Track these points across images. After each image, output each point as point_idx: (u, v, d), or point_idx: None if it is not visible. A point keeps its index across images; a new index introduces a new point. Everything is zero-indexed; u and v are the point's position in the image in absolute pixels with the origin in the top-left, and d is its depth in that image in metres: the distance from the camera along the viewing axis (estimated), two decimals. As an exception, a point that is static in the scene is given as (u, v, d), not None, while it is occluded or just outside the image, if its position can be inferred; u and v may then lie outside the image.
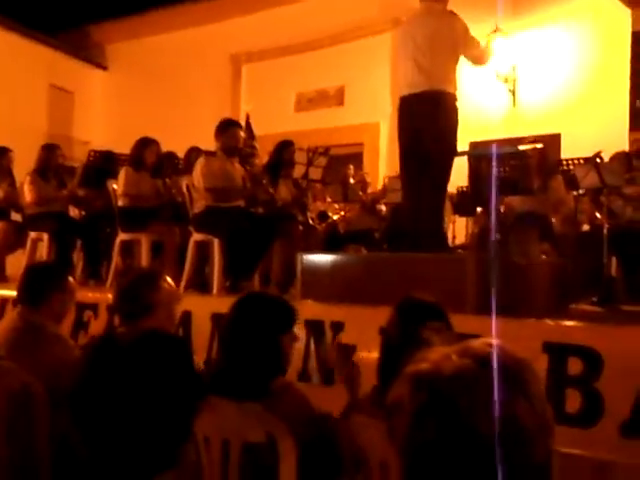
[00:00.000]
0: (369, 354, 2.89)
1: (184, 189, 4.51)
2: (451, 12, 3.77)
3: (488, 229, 4.75)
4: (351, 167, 6.50)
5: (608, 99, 6.87)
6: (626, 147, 6.02)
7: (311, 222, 4.92)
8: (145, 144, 4.72)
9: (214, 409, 1.74)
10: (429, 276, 3.42)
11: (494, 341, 0.87)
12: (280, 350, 1.87)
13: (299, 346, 3.27)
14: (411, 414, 0.80)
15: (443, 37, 3.65)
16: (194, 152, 5.03)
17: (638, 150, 4.85)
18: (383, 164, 8.05)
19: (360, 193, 5.90)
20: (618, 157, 4.82)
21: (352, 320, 3.22)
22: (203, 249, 4.38)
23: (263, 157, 5.55)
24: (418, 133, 3.68)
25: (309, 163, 4.43)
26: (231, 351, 1.87)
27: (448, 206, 5.84)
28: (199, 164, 4.31)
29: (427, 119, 3.61)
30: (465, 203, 5.66)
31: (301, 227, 4.58)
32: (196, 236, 4.39)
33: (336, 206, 5.87)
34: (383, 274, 3.48)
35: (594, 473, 2.54)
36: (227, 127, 4.40)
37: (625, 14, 6.69)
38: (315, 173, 4.52)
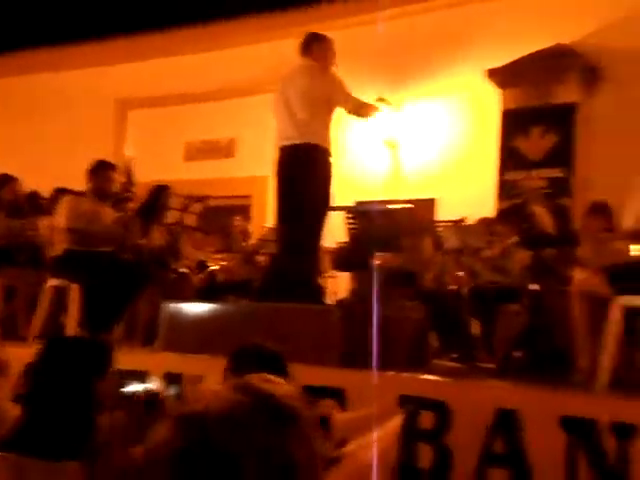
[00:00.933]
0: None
1: (44, 230, 4.26)
2: (326, 69, 3.93)
3: (363, 284, 4.86)
4: (238, 218, 6.51)
5: (480, 170, 7.39)
6: (492, 214, 6.48)
7: (185, 270, 4.80)
8: (1, 182, 4.45)
9: (16, 471, 1.52)
10: (295, 327, 3.42)
11: (271, 377, 0.85)
12: (94, 398, 1.69)
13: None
14: (173, 455, 0.75)
15: (317, 92, 3.79)
16: (60, 192, 4.79)
17: (496, 217, 5.21)
18: (271, 217, 8.11)
19: (243, 244, 5.87)
20: (481, 222, 5.15)
21: (212, 373, 3.13)
22: (60, 295, 4.11)
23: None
24: (291, 184, 3.76)
25: (184, 209, 4.35)
26: (36, 402, 1.68)
27: (327, 260, 5.93)
28: (64, 203, 4.12)
29: (300, 171, 3.71)
30: (344, 259, 5.79)
31: (173, 275, 4.45)
32: (52, 281, 4.15)
33: (218, 256, 5.80)
34: (247, 325, 3.43)
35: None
36: (100, 168, 4.27)
37: (496, 94, 7.31)
38: (190, 220, 4.45)
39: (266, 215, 8.24)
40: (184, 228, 4.57)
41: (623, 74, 6.73)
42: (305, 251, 3.76)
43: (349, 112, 4.05)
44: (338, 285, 6.43)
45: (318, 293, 4.18)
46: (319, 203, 3.79)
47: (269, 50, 8.38)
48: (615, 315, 2.89)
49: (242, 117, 8.42)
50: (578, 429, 2.52)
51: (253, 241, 6.04)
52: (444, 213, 7.31)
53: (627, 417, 2.46)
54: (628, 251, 3.62)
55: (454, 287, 5.18)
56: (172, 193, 4.53)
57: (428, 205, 7.39)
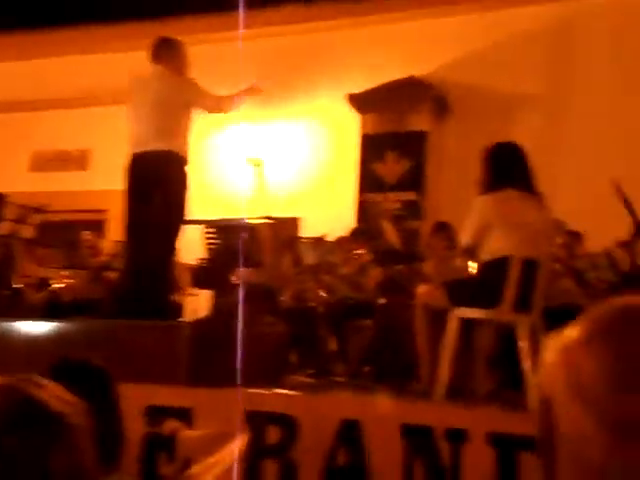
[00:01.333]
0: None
1: None
2: (179, 73, 3.84)
3: (222, 300, 4.77)
4: (87, 233, 6.12)
5: (341, 191, 7.63)
6: (352, 234, 6.70)
7: (19, 286, 4.42)
8: None
9: None
10: (141, 345, 3.26)
11: (45, 381, 0.78)
12: None
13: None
14: None
15: (172, 97, 3.68)
16: None
17: (352, 234, 5.37)
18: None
19: (91, 260, 5.53)
20: (339, 240, 5.28)
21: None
22: None
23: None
24: (143, 194, 3.59)
25: (20, 220, 4.02)
26: None
27: (186, 277, 5.76)
28: None
29: (152, 179, 3.56)
30: (203, 275, 5.65)
31: (6, 291, 4.08)
32: None
33: (63, 273, 5.41)
34: (88, 343, 3.22)
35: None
36: None
37: (356, 119, 7.60)
38: (27, 232, 4.11)
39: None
40: (20, 241, 4.20)
41: (467, 107, 7.30)
42: (157, 266, 3.60)
43: (210, 111, 3.96)
44: (199, 303, 6.27)
45: (171, 310, 4.03)
46: (173, 215, 3.65)
47: (126, 59, 8.09)
48: (452, 326, 3.06)
49: (97, 127, 8.04)
50: (416, 436, 2.62)
51: (103, 257, 5.72)
52: (307, 232, 7.44)
53: (459, 423, 2.60)
54: (467, 267, 3.87)
55: (313, 304, 5.25)
56: (7, 202, 4.17)
57: (292, 223, 7.47)
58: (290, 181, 7.98)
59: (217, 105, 3.92)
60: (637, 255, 4.16)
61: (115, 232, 7.81)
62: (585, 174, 6.36)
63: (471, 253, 3.25)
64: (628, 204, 3.45)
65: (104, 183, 7.83)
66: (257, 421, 2.83)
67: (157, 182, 3.56)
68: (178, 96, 3.69)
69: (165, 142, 3.58)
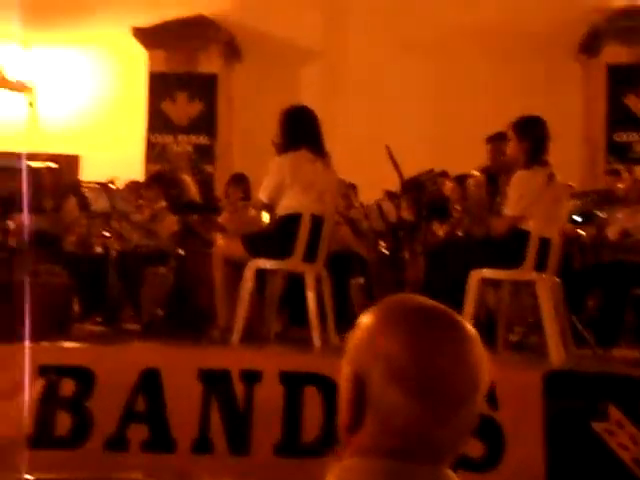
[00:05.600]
0: None
1: None
2: None
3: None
4: None
5: (127, 130, 7.29)
6: (141, 176, 6.50)
7: None
8: None
9: None
10: None
11: None
12: None
13: None
14: None
15: None
16: None
17: (145, 182, 5.26)
18: None
19: None
20: (130, 186, 5.13)
21: None
22: None
23: None
24: None
25: None
26: None
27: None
28: None
29: None
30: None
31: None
32: None
33: None
34: None
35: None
36: None
37: (143, 54, 7.25)
38: None
39: None
40: None
41: (256, 53, 7.40)
42: None
43: None
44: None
45: None
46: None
47: None
48: (249, 276, 3.27)
49: None
50: (213, 380, 2.80)
51: None
52: (89, 172, 7.02)
53: (254, 365, 2.84)
54: (259, 219, 4.10)
55: (99, 250, 5.07)
56: None
57: (71, 161, 7.01)
58: (68, 115, 7.39)
59: None
60: (401, 209, 4.74)
61: None
62: (360, 131, 6.92)
63: (270, 209, 3.47)
64: (395, 164, 3.89)
65: None
66: (51, 374, 2.77)
67: None
68: None
69: None
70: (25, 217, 4.41)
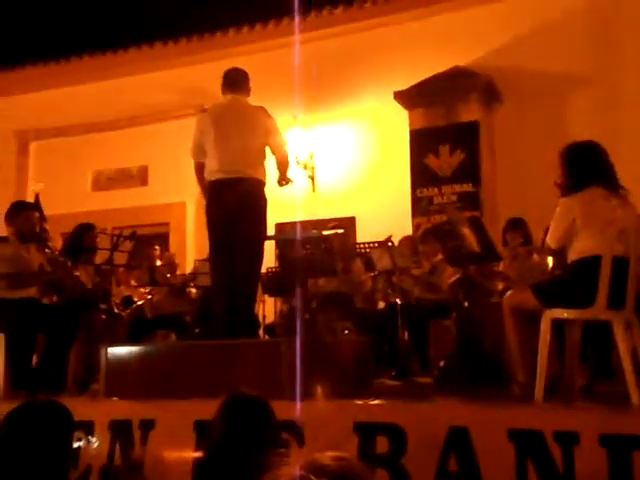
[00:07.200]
0: (181, 454, 2.74)
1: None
2: (258, 105, 3.99)
3: (296, 309, 4.90)
4: (157, 247, 6.34)
5: (394, 188, 7.67)
6: (410, 230, 6.76)
7: (115, 310, 4.63)
8: None
9: None
10: (244, 363, 3.40)
11: (342, 454, 0.89)
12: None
13: (101, 451, 2.99)
14: None
15: (254, 127, 3.82)
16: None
17: (421, 236, 5.44)
18: (191, 243, 8.04)
19: (168, 275, 5.74)
20: (405, 241, 5.35)
21: (163, 417, 3.05)
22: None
23: (56, 239, 5.18)
24: (231, 218, 3.75)
25: (114, 248, 4.21)
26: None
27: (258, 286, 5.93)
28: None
29: (240, 205, 3.71)
30: (274, 284, 5.81)
31: (104, 316, 4.28)
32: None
33: (142, 290, 5.63)
34: (195, 363, 3.38)
35: None
36: (20, 210, 4.06)
37: (403, 115, 7.62)
38: (120, 258, 4.31)
39: (186, 242, 8.14)
40: (114, 267, 4.41)
41: (516, 92, 7.25)
42: (248, 287, 3.75)
43: (278, 154, 4.00)
44: (266, 309, 6.45)
45: (257, 327, 4.18)
46: (260, 238, 3.83)
47: (178, 76, 8.30)
48: (546, 328, 3.11)
49: (153, 144, 8.27)
50: (525, 441, 2.69)
51: (179, 272, 5.91)
52: (362, 230, 7.54)
53: (567, 425, 2.66)
54: (547, 264, 3.91)
55: (382, 305, 5.35)
56: (98, 232, 4.37)
57: (349, 223, 7.58)
58: (342, 182, 8.07)
59: (282, 146, 4.00)
60: None
61: (178, 243, 8.08)
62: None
63: (560, 254, 3.29)
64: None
65: (164, 197, 8.09)
66: (365, 432, 2.94)
67: (248, 205, 3.72)
68: (261, 123, 3.83)
69: (253, 169, 3.76)
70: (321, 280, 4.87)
